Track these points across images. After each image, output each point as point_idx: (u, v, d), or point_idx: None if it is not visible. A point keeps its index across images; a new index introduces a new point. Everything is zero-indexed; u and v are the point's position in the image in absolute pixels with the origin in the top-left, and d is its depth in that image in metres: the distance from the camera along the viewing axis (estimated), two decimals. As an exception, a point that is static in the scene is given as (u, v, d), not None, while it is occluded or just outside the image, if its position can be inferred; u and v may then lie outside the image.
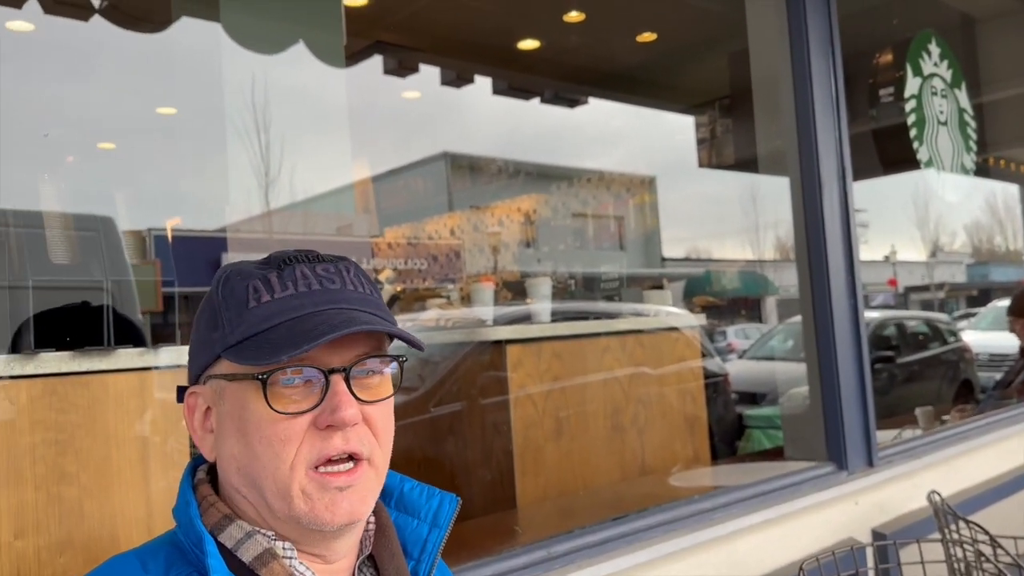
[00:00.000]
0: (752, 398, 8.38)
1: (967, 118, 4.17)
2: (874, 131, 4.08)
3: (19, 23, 4.95)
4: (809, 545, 2.59)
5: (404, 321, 3.98)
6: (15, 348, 1.92)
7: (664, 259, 19.28)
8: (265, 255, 1.02)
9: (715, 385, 8.00)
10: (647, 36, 5.63)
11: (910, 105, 3.81)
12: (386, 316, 0.99)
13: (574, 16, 5.26)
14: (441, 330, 3.57)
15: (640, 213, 16.27)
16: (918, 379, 9.88)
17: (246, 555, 0.92)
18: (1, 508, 1.79)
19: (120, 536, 1.84)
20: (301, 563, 0.96)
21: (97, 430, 1.90)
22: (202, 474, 1.03)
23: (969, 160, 4.13)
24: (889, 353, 9.82)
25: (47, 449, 1.84)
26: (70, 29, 4.46)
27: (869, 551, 2.71)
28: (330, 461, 0.93)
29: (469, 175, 12.08)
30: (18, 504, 1.81)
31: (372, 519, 1.06)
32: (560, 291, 5.17)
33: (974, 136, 4.19)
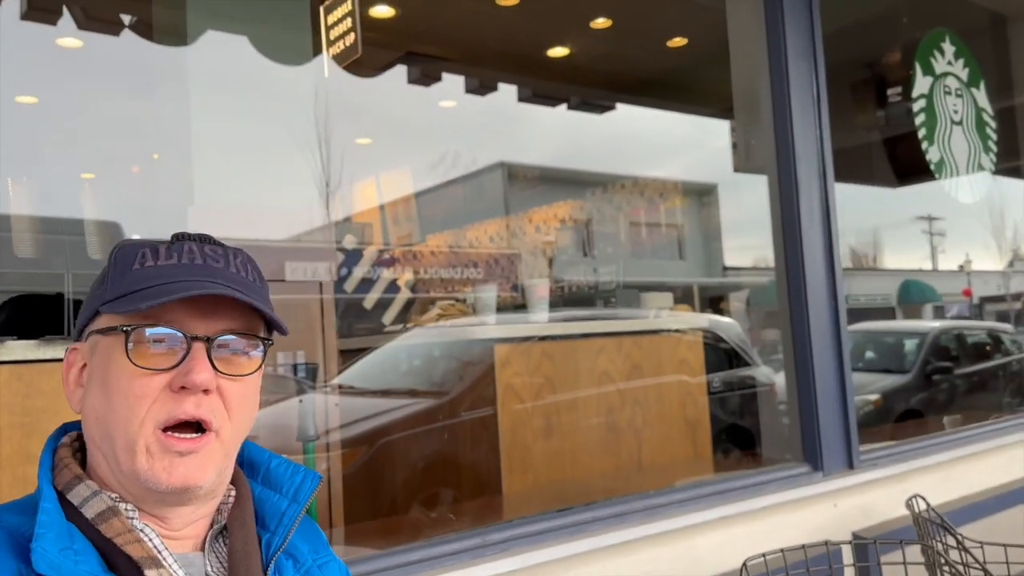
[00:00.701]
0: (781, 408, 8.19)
1: (986, 118, 4.06)
2: (885, 140, 4.01)
3: (69, 40, 5.25)
4: (778, 545, 2.56)
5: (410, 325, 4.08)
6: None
7: (726, 268, 18.96)
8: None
9: (760, 395, 7.87)
10: (678, 41, 5.60)
11: (919, 105, 3.74)
12: (260, 299, 1.04)
13: (601, 23, 5.28)
14: (436, 329, 3.64)
15: (700, 220, 16.08)
16: (979, 390, 9.52)
17: (89, 512, 0.97)
18: (-31, 484, 1.93)
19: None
20: (143, 523, 1.00)
21: (61, 414, 2.02)
22: (67, 439, 1.08)
23: (988, 160, 4.03)
24: (947, 364, 9.50)
25: (13, 431, 1.98)
26: (118, 46, 4.71)
27: (844, 551, 2.68)
28: (180, 426, 0.98)
29: (518, 183, 12.16)
30: (-14, 481, 1.95)
31: (233, 491, 1.10)
32: (567, 300, 5.19)
33: (994, 136, 4.08)
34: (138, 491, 1.00)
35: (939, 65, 3.86)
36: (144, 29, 4.35)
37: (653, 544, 2.31)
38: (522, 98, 5.86)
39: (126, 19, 4.36)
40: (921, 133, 3.72)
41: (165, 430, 0.97)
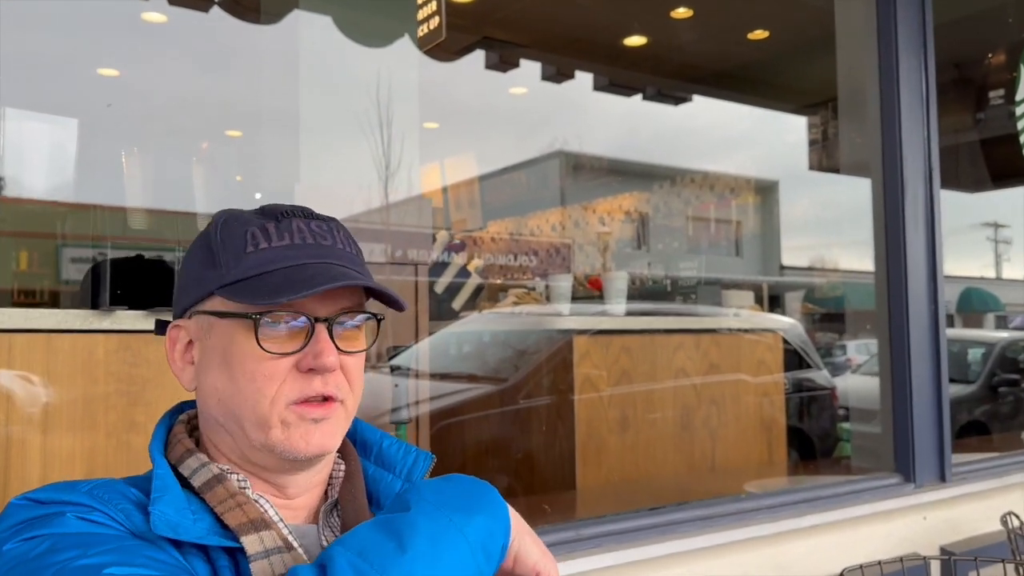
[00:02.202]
0: (862, 414, 8.04)
1: (1089, 124, 3.90)
2: (982, 141, 3.88)
3: (154, 15, 5.31)
4: (866, 556, 2.51)
5: (486, 311, 4.07)
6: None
7: (783, 267, 18.67)
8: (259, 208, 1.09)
9: (821, 398, 7.74)
10: (759, 34, 5.49)
11: (1021, 109, 3.61)
12: (370, 275, 1.06)
13: (682, 12, 5.19)
14: (514, 317, 3.62)
15: (758, 218, 15.85)
16: (1049, 405, 9.25)
17: (197, 481, 0.98)
18: (75, 449, 1.97)
19: (177, 483, 1.98)
20: (260, 495, 1.01)
21: (166, 384, 2.06)
22: (184, 417, 1.09)
23: (1089, 169, 3.87)
24: (1015, 376, 9.23)
25: (119, 399, 2.01)
26: (199, 20, 4.76)
27: (933, 567, 2.61)
28: (307, 401, 1.00)
29: (578, 172, 12.08)
30: (91, 447, 1.98)
31: (342, 465, 1.11)
32: (644, 293, 5.13)
33: (1098, 143, 3.92)
34: (267, 460, 1.01)
35: (1044, 68, 3.72)
36: (232, 6, 4.38)
37: (742, 549, 2.27)
38: (598, 87, 5.80)
39: (216, -7, 4.39)
40: (1023, 139, 3.59)
41: (295, 404, 0.99)
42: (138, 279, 2.06)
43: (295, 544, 0.99)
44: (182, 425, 1.08)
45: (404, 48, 4.54)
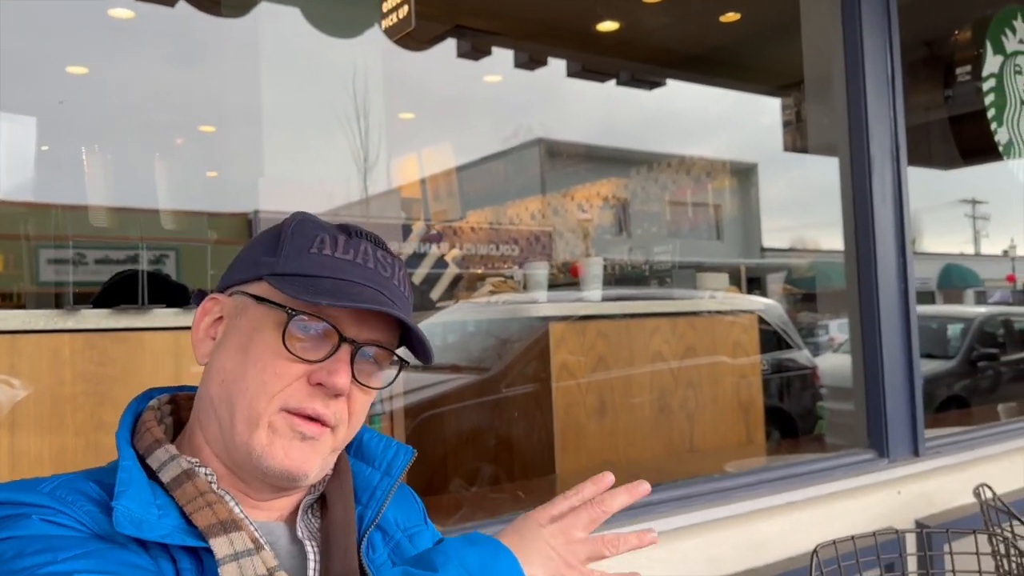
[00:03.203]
0: (843, 392, 8.09)
1: (1057, 99, 3.93)
2: (951, 118, 3.90)
3: (121, 11, 5.25)
4: (842, 532, 2.52)
5: (463, 302, 4.07)
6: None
7: (764, 249, 18.76)
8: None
9: (802, 378, 7.78)
10: (731, 16, 5.49)
11: (988, 84, 3.63)
12: (410, 317, 1.05)
13: (654, -5, 5.19)
14: (490, 307, 3.62)
15: (738, 200, 15.91)
16: (1025, 378, 9.35)
17: (165, 476, 0.96)
18: (43, 451, 1.95)
19: (148, 481, 1.97)
20: (226, 490, 0.99)
21: (133, 383, 2.04)
22: (155, 403, 1.07)
23: (1058, 143, 3.91)
24: (994, 351, 9.32)
25: (86, 399, 2.00)
26: (168, 15, 4.71)
27: (908, 540, 2.63)
28: (301, 416, 0.98)
29: (558, 160, 12.09)
30: (59, 448, 1.97)
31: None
32: (621, 278, 5.15)
33: (1065, 118, 3.95)
34: (243, 462, 0.99)
35: (1010, 44, 3.74)
36: (200, 1, 4.34)
37: (719, 528, 2.28)
38: (571, 73, 5.78)
39: (183, -11, 4.33)
40: (990, 114, 3.61)
41: (286, 412, 0.98)
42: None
43: (263, 543, 0.97)
44: (152, 411, 1.05)
45: (375, 38, 4.51)
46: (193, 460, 1.00)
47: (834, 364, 9.10)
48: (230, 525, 0.94)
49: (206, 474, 0.99)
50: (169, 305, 2.11)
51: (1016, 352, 9.42)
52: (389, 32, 4.35)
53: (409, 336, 1.05)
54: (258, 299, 1.00)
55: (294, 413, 0.98)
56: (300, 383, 0.98)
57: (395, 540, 1.14)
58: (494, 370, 3.54)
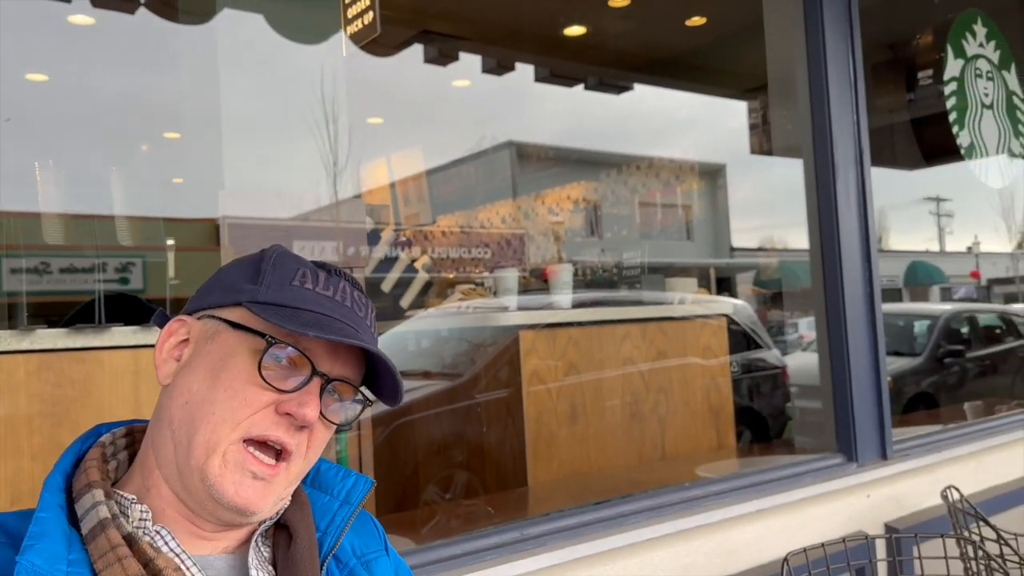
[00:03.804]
0: (813, 391, 8.16)
1: (1016, 101, 3.99)
2: (913, 120, 3.94)
3: (81, 17, 5.16)
4: (813, 538, 2.54)
5: (433, 309, 4.04)
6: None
7: (733, 249, 18.91)
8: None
9: (772, 378, 7.84)
10: (696, 20, 5.52)
11: (950, 88, 3.67)
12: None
13: (620, 1, 5.20)
14: (460, 315, 3.60)
15: (707, 201, 16.02)
16: (991, 374, 9.50)
17: (84, 527, 0.92)
18: (0, 476, 1.90)
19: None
20: (162, 527, 0.97)
21: (92, 404, 2.00)
22: (107, 438, 1.04)
23: (1018, 145, 3.96)
24: (959, 347, 9.45)
25: (43, 421, 1.94)
26: (130, 22, 4.64)
27: (878, 545, 2.65)
28: (262, 445, 0.97)
29: (527, 163, 12.08)
30: (15, 472, 1.91)
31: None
32: (590, 283, 5.14)
33: (1025, 120, 4.01)
34: (195, 489, 0.96)
35: (971, 47, 3.79)
36: (161, 7, 4.28)
37: (690, 537, 2.28)
38: (539, 78, 5.78)
39: (143, -3, 4.27)
40: (952, 117, 3.65)
41: (247, 443, 0.97)
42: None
43: None
44: (98, 449, 1.02)
45: (341, 44, 4.47)
46: (128, 498, 0.97)
47: (804, 362, 9.20)
48: None
49: (141, 511, 0.97)
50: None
51: (981, 348, 9.56)
52: (355, 38, 4.32)
53: (376, 376, 1.07)
54: (235, 325, 0.99)
55: (255, 441, 0.96)
56: (267, 411, 0.97)
57: (348, 568, 1.12)
58: (465, 377, 3.52)
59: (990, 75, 3.85)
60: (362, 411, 1.07)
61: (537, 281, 4.06)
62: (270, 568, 1.03)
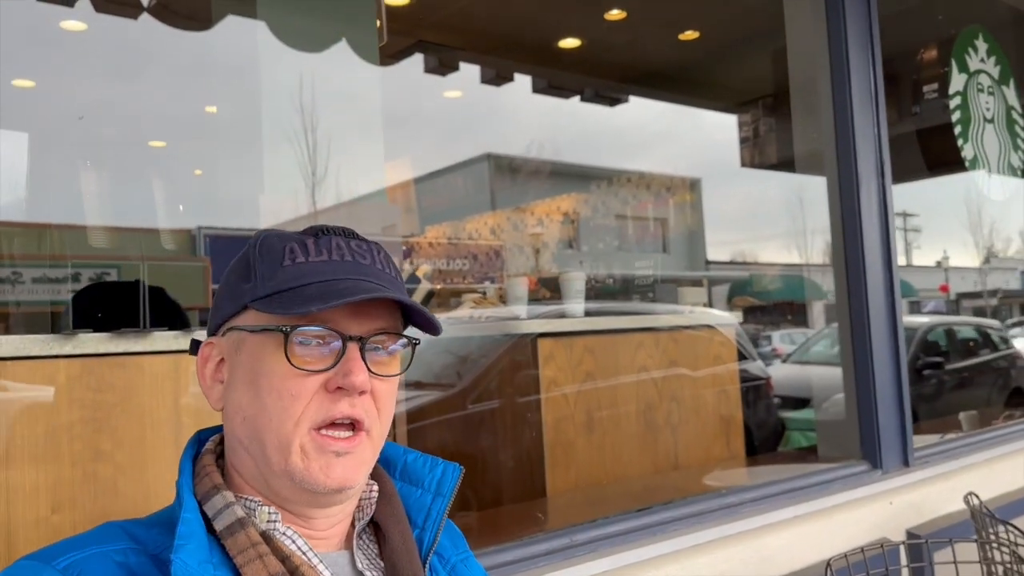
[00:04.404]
0: (795, 402, 8.26)
1: (1015, 116, 4.08)
2: (918, 131, 4.02)
3: (73, 23, 5.09)
4: (841, 544, 2.56)
5: (439, 317, 4.01)
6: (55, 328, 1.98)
7: (708, 262, 19.07)
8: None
9: (757, 388, 7.90)
10: (690, 34, 5.58)
11: (955, 102, 3.74)
12: (408, 297, 1.01)
13: (615, 14, 5.24)
14: (474, 323, 3.58)
15: (683, 215, 16.15)
16: (968, 386, 9.66)
17: (219, 524, 0.93)
18: (39, 483, 1.85)
19: (152, 513, 1.89)
20: (288, 527, 0.97)
21: (132, 410, 1.96)
22: (211, 444, 1.05)
23: (1017, 159, 4.05)
24: (938, 359, 9.60)
25: (84, 427, 1.90)
26: (120, 29, 4.57)
27: (902, 551, 2.67)
28: (332, 425, 0.95)
29: (510, 175, 12.10)
30: (55, 480, 1.87)
31: (374, 486, 1.07)
32: (600, 292, 5.15)
33: (1023, 135, 4.10)
34: (289, 491, 0.97)
35: (973, 62, 3.87)
36: (163, 13, 4.23)
37: (728, 544, 2.28)
38: (536, 89, 5.81)
39: (145, 1, 4.23)
40: (957, 130, 3.72)
41: (319, 429, 0.95)
42: (105, 297, 1.96)
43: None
44: (210, 455, 1.02)
45: (339, 52, 4.45)
46: (253, 499, 0.98)
47: (787, 374, 9.28)
48: None
49: (270, 512, 0.97)
50: (167, 324, 2.03)
51: (959, 360, 9.72)
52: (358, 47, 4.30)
53: (410, 313, 1.03)
54: (251, 329, 0.98)
55: (324, 427, 0.95)
56: (320, 395, 0.95)
57: (451, 564, 1.12)
58: (480, 386, 3.50)
59: (991, 90, 3.93)
60: (413, 350, 1.04)
61: (545, 290, 4.06)
62: (380, 563, 1.03)
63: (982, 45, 3.93)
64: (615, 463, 3.34)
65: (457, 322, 3.56)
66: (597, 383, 3.32)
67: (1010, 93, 4.06)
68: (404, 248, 5.42)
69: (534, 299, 3.98)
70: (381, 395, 0.99)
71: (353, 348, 0.96)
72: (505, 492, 3.24)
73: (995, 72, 3.99)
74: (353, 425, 0.97)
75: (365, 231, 1.08)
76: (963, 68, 3.81)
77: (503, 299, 3.84)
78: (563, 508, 3.01)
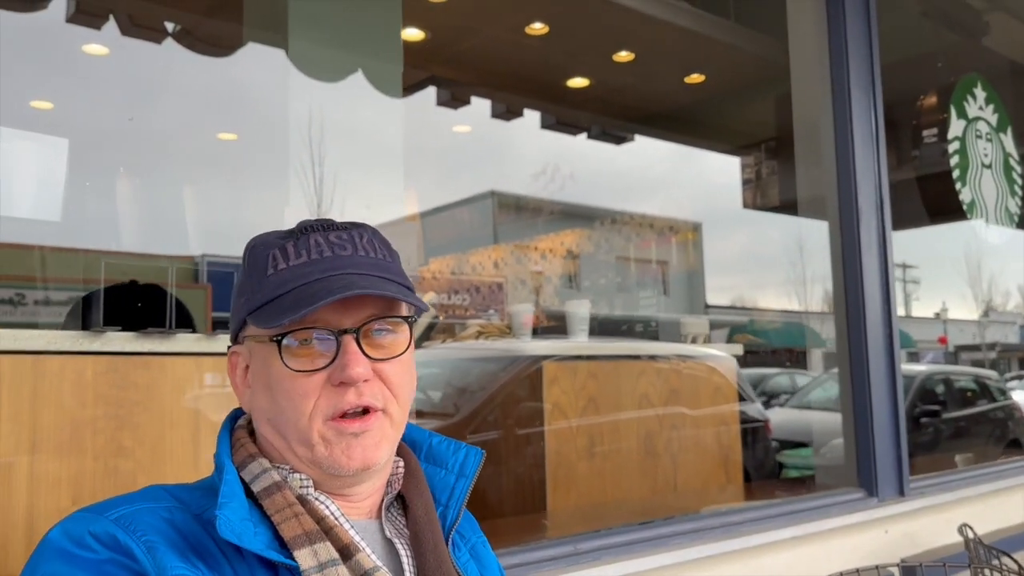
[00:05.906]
0: (794, 447, 8.26)
1: (1012, 163, 4.19)
2: (918, 177, 4.12)
3: (95, 47, 5.22)
4: (839, 566, 2.60)
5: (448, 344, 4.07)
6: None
7: (708, 306, 19.12)
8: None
9: (755, 431, 7.92)
10: (696, 77, 5.71)
11: (953, 146, 3.85)
12: (395, 278, 1.06)
13: (624, 56, 5.37)
14: (480, 346, 3.65)
15: (684, 258, 16.25)
16: (965, 435, 9.66)
17: (257, 487, 1.00)
18: (61, 475, 1.91)
19: (170, 508, 1.94)
20: (322, 494, 1.04)
21: (154, 408, 2.02)
22: (243, 421, 1.12)
23: (1014, 204, 4.15)
24: (935, 408, 9.62)
25: (107, 423, 1.96)
26: (143, 53, 4.68)
27: (896, 574, 2.71)
28: (345, 415, 1.01)
29: (514, 211, 12.23)
30: (77, 472, 1.92)
31: (400, 463, 1.13)
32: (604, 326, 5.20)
33: (1020, 181, 4.21)
34: (320, 476, 1.04)
35: (971, 109, 3.99)
36: (185, 38, 4.36)
37: (728, 561, 2.33)
38: (545, 125, 5.93)
39: (170, 27, 4.36)
40: (955, 175, 3.82)
41: (333, 418, 1.01)
42: (131, 305, 2.03)
43: (358, 543, 1.01)
44: (243, 430, 1.10)
45: (354, 83, 4.56)
46: (286, 467, 1.04)
47: (786, 418, 9.28)
48: (315, 536, 0.97)
49: (301, 479, 1.03)
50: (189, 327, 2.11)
51: (956, 410, 9.74)
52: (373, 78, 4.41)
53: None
54: (254, 339, 1.05)
55: (337, 418, 1.01)
56: (327, 390, 1.00)
57: (471, 543, 1.19)
58: (485, 409, 3.56)
59: (989, 137, 4.05)
60: (412, 326, 1.07)
61: (549, 320, 4.12)
62: (406, 531, 1.09)
63: (980, 93, 4.05)
64: (615, 488, 3.39)
65: (463, 345, 3.63)
66: (599, 408, 3.38)
67: (1008, 141, 4.18)
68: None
69: (543, 328, 4.05)
70: (390, 376, 1.04)
71: (347, 341, 1.00)
72: (508, 510, 3.28)
73: (993, 120, 4.10)
74: (366, 409, 1.02)
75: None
76: (962, 114, 3.92)
77: (509, 327, 3.90)
78: (565, 522, 3.06)
